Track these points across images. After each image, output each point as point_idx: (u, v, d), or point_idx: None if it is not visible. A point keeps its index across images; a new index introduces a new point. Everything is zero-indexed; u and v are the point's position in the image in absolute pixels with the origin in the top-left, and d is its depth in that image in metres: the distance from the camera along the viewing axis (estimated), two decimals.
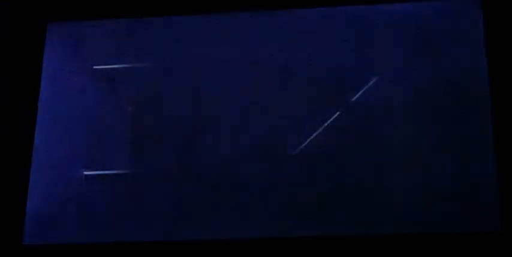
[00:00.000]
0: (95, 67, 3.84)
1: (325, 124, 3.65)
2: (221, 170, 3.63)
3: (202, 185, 3.62)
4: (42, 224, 3.63)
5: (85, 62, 3.87)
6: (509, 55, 3.64)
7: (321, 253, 3.47)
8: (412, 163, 3.55)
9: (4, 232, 3.61)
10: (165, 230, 3.57)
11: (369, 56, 3.73)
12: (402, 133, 3.60)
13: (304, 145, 3.63)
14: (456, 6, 3.75)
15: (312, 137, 3.64)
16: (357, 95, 3.68)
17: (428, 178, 3.52)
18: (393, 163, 3.56)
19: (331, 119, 3.66)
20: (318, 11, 3.84)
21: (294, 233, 3.50)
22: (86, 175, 3.68)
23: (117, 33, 3.90)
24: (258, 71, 3.76)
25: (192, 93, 3.77)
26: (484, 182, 3.48)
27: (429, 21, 3.74)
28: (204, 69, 3.80)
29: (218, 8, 3.90)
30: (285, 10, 3.84)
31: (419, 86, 3.66)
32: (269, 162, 3.62)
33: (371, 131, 3.62)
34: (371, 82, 3.69)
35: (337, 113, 3.66)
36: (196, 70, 3.81)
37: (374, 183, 3.53)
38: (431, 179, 3.51)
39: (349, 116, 3.65)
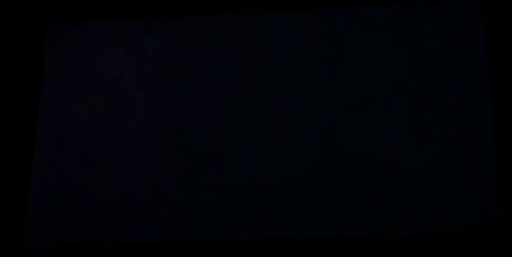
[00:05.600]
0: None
1: (326, 124, 3.66)
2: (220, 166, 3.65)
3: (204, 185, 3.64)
4: (43, 224, 3.64)
5: (86, 64, 3.88)
6: (509, 56, 3.64)
7: (321, 253, 3.47)
8: (411, 163, 3.55)
9: (5, 232, 3.62)
10: (166, 230, 3.58)
11: (369, 58, 3.73)
12: (401, 134, 3.60)
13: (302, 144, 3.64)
14: (456, 8, 3.76)
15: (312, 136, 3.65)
16: (357, 96, 3.68)
17: (428, 178, 3.52)
18: (393, 163, 3.56)
19: (332, 119, 3.67)
20: (317, 12, 3.84)
21: (294, 234, 3.51)
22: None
23: (118, 34, 3.91)
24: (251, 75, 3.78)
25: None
26: (484, 182, 3.48)
27: (429, 24, 3.75)
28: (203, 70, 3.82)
29: (219, 9, 3.90)
30: (278, 11, 3.85)
31: (419, 87, 3.66)
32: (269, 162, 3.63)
33: (369, 132, 3.62)
34: (371, 84, 3.70)
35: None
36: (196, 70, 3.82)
37: (373, 183, 3.54)
38: (430, 180, 3.51)
39: (348, 115, 3.65)
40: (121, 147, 3.72)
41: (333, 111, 3.67)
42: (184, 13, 3.90)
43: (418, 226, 3.46)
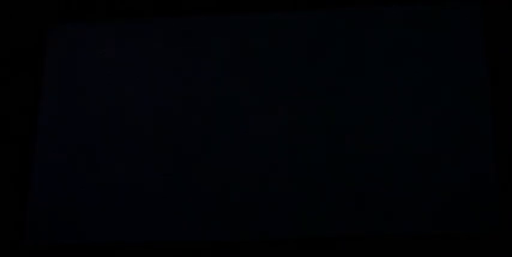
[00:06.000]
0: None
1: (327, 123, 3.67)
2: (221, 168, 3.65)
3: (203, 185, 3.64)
4: (43, 224, 3.64)
5: (86, 64, 3.88)
6: (508, 56, 3.65)
7: (321, 253, 3.47)
8: (411, 163, 3.55)
9: (5, 232, 3.63)
10: (166, 230, 3.58)
11: (368, 58, 3.73)
12: (401, 134, 3.60)
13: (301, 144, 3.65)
14: (456, 8, 3.76)
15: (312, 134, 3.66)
16: (356, 97, 3.69)
17: (428, 178, 3.52)
18: (393, 163, 3.56)
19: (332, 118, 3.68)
20: (317, 12, 3.84)
21: (296, 234, 3.51)
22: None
23: (118, 34, 3.91)
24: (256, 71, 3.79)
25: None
26: (484, 182, 3.48)
27: (429, 24, 3.75)
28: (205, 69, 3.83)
29: (218, 9, 3.90)
30: (280, 12, 3.86)
31: (419, 87, 3.66)
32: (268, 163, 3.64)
33: (370, 132, 3.62)
34: (370, 84, 3.70)
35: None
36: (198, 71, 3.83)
37: (372, 183, 3.54)
38: (430, 180, 3.51)
39: (348, 115, 3.65)
40: (121, 147, 3.72)
41: (333, 110, 3.67)
42: (185, 13, 3.90)
43: (418, 226, 3.46)
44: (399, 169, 3.55)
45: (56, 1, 3.97)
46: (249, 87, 3.76)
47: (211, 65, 3.81)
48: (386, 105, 3.66)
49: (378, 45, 3.75)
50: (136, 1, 3.93)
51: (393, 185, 3.53)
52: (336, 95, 3.70)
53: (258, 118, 3.70)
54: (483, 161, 3.51)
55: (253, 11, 3.88)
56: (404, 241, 3.45)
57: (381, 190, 3.53)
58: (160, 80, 3.82)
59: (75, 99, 3.83)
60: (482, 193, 3.47)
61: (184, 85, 3.79)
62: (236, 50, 3.82)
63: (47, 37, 3.95)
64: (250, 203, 3.57)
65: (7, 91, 3.85)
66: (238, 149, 3.66)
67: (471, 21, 3.73)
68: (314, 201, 3.55)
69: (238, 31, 3.85)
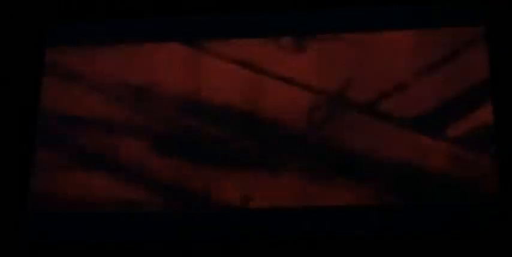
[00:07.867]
0: None
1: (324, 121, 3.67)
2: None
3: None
4: (43, 223, 3.64)
5: (86, 63, 3.88)
6: (509, 57, 3.65)
7: (320, 253, 3.47)
8: (412, 162, 3.55)
9: (5, 231, 3.63)
10: (166, 230, 3.58)
11: (368, 58, 3.74)
12: (402, 132, 3.61)
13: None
14: (456, 8, 3.77)
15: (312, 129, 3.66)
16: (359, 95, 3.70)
17: (428, 178, 3.52)
18: (392, 163, 3.56)
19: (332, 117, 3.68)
20: (318, 12, 3.85)
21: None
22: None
23: (118, 34, 3.92)
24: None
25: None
26: (484, 182, 3.48)
27: (429, 24, 3.76)
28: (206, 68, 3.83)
29: (218, 9, 3.91)
30: (280, 12, 3.86)
31: (419, 87, 3.67)
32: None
33: (370, 132, 3.63)
34: (370, 85, 3.71)
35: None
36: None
37: (373, 183, 3.54)
38: (430, 179, 3.52)
39: (349, 115, 3.66)
40: (121, 147, 3.72)
41: (333, 113, 3.68)
42: (185, 13, 3.91)
43: (418, 225, 3.46)
44: (399, 168, 3.55)
45: (56, 1, 3.98)
46: (248, 86, 3.76)
47: (212, 64, 3.82)
48: (386, 105, 3.66)
49: (378, 45, 3.75)
50: (136, 1, 3.94)
51: (393, 185, 3.53)
52: (337, 94, 3.70)
53: (259, 116, 3.70)
54: (483, 161, 3.51)
55: (253, 11, 3.88)
56: (404, 241, 3.45)
57: (381, 190, 3.53)
58: (161, 79, 3.82)
59: (75, 100, 3.83)
60: (482, 192, 3.47)
61: (185, 85, 3.79)
62: (236, 50, 3.82)
63: (47, 37, 3.95)
64: (249, 203, 3.58)
65: (7, 91, 3.85)
66: (238, 149, 3.67)
67: (471, 21, 3.73)
68: (314, 200, 3.55)
69: (238, 31, 3.86)
